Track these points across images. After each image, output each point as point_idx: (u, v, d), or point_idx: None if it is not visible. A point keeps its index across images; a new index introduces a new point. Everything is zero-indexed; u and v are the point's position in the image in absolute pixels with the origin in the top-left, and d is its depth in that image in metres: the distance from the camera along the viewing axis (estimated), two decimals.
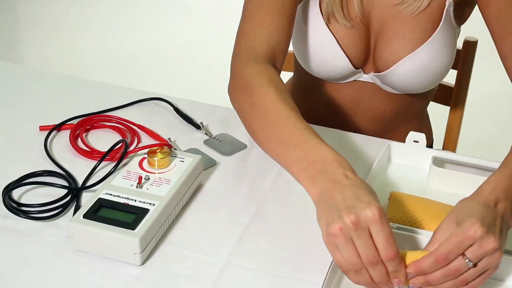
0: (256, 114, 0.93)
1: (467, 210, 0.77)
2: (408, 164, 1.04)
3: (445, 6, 1.07)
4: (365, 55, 1.13)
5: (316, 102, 1.25)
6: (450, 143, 1.46)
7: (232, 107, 1.00)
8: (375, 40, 1.12)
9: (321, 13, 1.10)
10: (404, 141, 1.04)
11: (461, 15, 1.12)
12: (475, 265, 0.74)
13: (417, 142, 1.03)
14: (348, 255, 0.75)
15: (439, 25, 1.08)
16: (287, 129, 0.87)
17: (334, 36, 1.10)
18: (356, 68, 1.13)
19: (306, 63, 1.16)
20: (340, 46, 1.10)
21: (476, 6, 1.06)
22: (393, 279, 0.76)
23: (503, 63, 1.02)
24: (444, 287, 0.76)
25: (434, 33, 1.08)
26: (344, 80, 1.17)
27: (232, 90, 1.00)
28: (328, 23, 1.10)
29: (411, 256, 0.76)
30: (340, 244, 0.75)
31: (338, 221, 0.74)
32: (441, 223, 0.78)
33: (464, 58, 1.36)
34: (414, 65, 1.09)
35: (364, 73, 1.15)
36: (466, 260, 0.74)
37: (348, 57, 1.11)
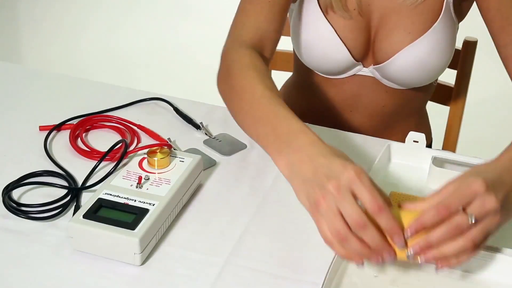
0: (234, 95, 0.95)
1: (476, 171, 0.76)
2: (408, 164, 1.04)
3: None
4: (365, 48, 1.13)
5: (316, 99, 1.25)
6: (450, 143, 1.46)
7: None
8: (375, 32, 1.12)
9: (319, 5, 1.10)
10: (403, 138, 1.04)
11: (460, 10, 1.12)
12: (475, 224, 0.72)
13: (417, 142, 1.03)
14: (332, 222, 0.72)
15: (439, 17, 1.08)
16: (261, 106, 0.89)
17: (333, 28, 1.10)
18: (356, 60, 1.13)
19: (306, 57, 1.17)
20: (340, 38, 1.10)
21: (474, 3, 1.07)
22: (393, 238, 0.72)
23: (500, 53, 1.05)
24: (452, 250, 0.73)
25: (435, 24, 1.08)
26: (344, 74, 1.17)
27: (218, 77, 1.03)
28: (326, 14, 1.10)
29: (406, 216, 0.74)
30: (324, 213, 0.73)
31: (320, 190, 0.74)
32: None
33: (464, 58, 1.36)
34: (414, 57, 1.10)
35: (364, 66, 1.16)
36: (469, 216, 0.72)
37: (347, 49, 1.11)
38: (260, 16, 1.06)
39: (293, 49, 1.26)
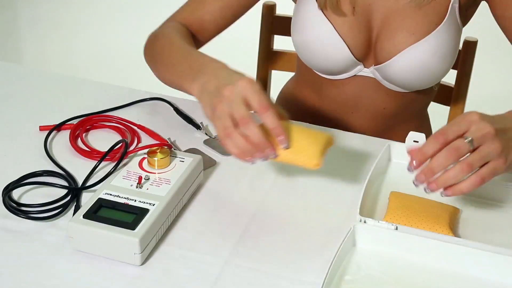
0: (156, 53, 1.09)
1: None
2: (408, 164, 1.03)
3: (450, 1, 1.08)
4: (366, 47, 1.13)
5: (317, 100, 1.25)
6: None
7: None
8: (378, 32, 1.12)
9: (316, 3, 1.10)
10: (403, 141, 1.04)
11: (465, 14, 1.12)
12: (475, 149, 0.79)
13: (417, 142, 1.03)
14: (222, 121, 0.83)
15: (443, 20, 1.08)
16: (178, 54, 1.01)
17: (333, 26, 1.10)
18: (356, 59, 1.13)
19: (306, 56, 1.17)
20: (340, 36, 1.10)
21: (479, 7, 1.07)
22: (277, 137, 0.84)
23: None
24: (452, 174, 0.79)
25: (439, 26, 1.08)
26: (344, 74, 1.17)
27: (144, 50, 1.15)
28: (325, 12, 1.10)
29: (296, 130, 0.86)
30: (218, 114, 0.84)
31: (218, 97, 0.85)
32: None
33: (464, 58, 1.36)
34: (416, 58, 1.09)
35: (365, 67, 1.16)
36: (465, 139, 0.78)
37: (348, 47, 1.11)
38: (201, 4, 1.16)
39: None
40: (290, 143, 0.88)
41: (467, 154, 0.80)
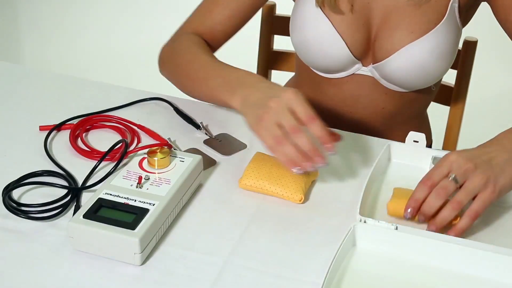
0: (181, 69, 1.09)
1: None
2: (408, 164, 1.04)
3: (450, 0, 1.08)
4: (365, 46, 1.13)
5: (316, 99, 1.25)
6: (450, 143, 1.46)
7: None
8: (376, 30, 1.12)
9: (316, 1, 1.11)
10: (403, 141, 1.04)
11: (465, 15, 1.13)
12: (461, 186, 0.84)
13: (417, 142, 1.03)
14: (271, 130, 0.86)
15: (442, 19, 1.08)
16: (207, 69, 1.03)
17: (332, 24, 1.10)
18: (355, 57, 1.13)
19: (304, 54, 1.17)
20: (338, 33, 1.10)
21: (479, 8, 1.07)
22: (324, 144, 0.87)
23: None
24: (446, 214, 0.85)
25: (438, 25, 1.08)
26: (343, 72, 1.17)
27: (161, 63, 1.16)
28: (323, 10, 1.11)
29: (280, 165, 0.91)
30: (265, 125, 0.87)
31: (263, 108, 0.87)
32: None
33: (464, 58, 1.36)
34: (414, 56, 1.09)
35: (363, 66, 1.16)
36: (450, 177, 0.84)
37: (346, 45, 1.11)
38: (211, 14, 1.16)
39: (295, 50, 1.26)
40: (275, 179, 0.95)
41: (455, 191, 0.86)
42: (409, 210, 0.87)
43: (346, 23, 1.10)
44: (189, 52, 1.10)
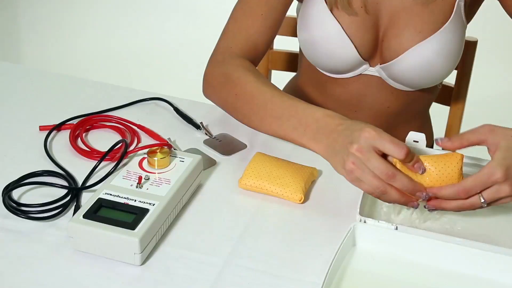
0: (243, 101, 1.02)
1: (504, 156, 0.84)
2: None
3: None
4: (372, 46, 1.13)
5: (321, 99, 1.25)
6: None
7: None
8: (384, 30, 1.12)
9: (326, 2, 1.10)
10: (404, 141, 1.04)
11: (469, 12, 1.13)
12: (488, 204, 0.84)
13: (417, 142, 1.03)
14: (369, 181, 0.83)
15: (450, 17, 1.09)
16: (276, 105, 0.98)
17: (341, 25, 1.10)
18: (362, 59, 1.13)
19: (312, 55, 1.16)
20: (347, 35, 1.10)
21: (479, 9, 1.07)
22: (416, 169, 0.84)
23: None
24: (453, 207, 0.85)
25: (446, 24, 1.08)
26: (350, 73, 1.17)
27: (210, 88, 1.09)
28: (332, 12, 1.10)
29: (281, 165, 0.95)
30: (360, 176, 0.84)
31: (348, 157, 0.84)
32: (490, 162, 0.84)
33: (464, 58, 1.36)
34: (422, 56, 1.09)
35: (370, 66, 1.16)
36: (482, 200, 0.83)
37: (355, 46, 1.11)
38: (251, 29, 1.10)
39: (299, 48, 1.26)
40: (275, 179, 0.95)
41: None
42: (426, 195, 0.84)
43: (355, 25, 1.10)
44: (248, 81, 1.03)
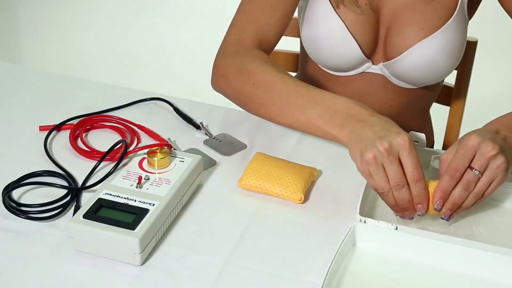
0: (262, 90, 0.99)
1: (468, 134, 0.87)
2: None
3: None
4: (375, 44, 1.13)
5: None
6: (450, 143, 1.46)
7: (233, 107, 1.00)
8: (387, 28, 1.12)
9: (329, 0, 1.10)
10: None
11: (471, 8, 1.13)
12: (482, 175, 0.85)
13: (417, 142, 1.03)
14: (379, 180, 0.84)
15: (453, 14, 1.09)
16: (301, 94, 0.95)
17: (344, 22, 1.10)
18: (365, 56, 1.13)
19: (315, 53, 1.16)
20: (350, 33, 1.10)
21: (482, 6, 1.07)
22: (416, 204, 0.86)
23: None
24: (468, 204, 0.87)
25: (449, 21, 1.08)
26: (352, 71, 1.17)
27: (222, 79, 1.05)
28: (336, 9, 1.10)
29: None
30: (373, 171, 0.84)
31: (372, 149, 0.84)
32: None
33: (464, 58, 1.36)
34: (425, 53, 1.09)
35: (373, 64, 1.16)
36: (474, 171, 0.84)
37: (358, 44, 1.11)
38: (261, 21, 1.08)
39: (300, 47, 1.26)
40: (275, 179, 0.95)
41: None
42: (439, 201, 0.86)
43: (359, 23, 1.10)
44: (268, 71, 1.00)
